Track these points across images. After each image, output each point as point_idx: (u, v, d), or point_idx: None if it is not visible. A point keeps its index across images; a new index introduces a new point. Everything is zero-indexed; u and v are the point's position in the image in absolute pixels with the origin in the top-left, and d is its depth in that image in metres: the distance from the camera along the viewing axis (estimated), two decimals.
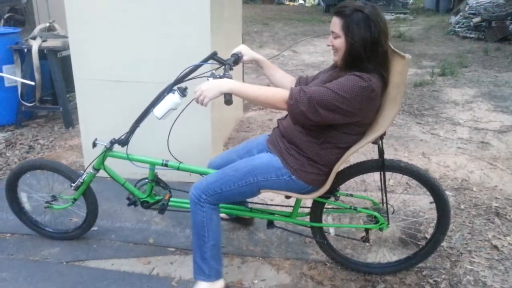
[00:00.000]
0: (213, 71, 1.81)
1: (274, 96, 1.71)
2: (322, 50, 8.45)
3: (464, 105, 4.99)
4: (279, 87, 2.13)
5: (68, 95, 4.08)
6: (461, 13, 11.14)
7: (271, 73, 2.14)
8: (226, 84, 1.70)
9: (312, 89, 1.68)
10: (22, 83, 3.96)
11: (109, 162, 2.14)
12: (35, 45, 3.84)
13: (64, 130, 4.09)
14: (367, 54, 1.70)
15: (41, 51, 3.86)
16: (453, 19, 11.35)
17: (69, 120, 4.11)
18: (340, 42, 1.72)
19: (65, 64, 3.91)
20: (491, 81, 6.12)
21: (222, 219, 2.57)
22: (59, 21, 4.28)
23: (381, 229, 2.08)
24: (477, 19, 10.02)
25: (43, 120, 4.37)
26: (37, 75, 3.93)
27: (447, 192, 2.04)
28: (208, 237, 1.89)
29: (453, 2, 14.73)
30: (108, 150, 2.09)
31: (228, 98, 1.68)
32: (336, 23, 1.72)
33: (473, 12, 10.47)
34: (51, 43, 3.91)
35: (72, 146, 3.70)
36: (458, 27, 10.61)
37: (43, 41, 3.90)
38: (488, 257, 2.32)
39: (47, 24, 4.19)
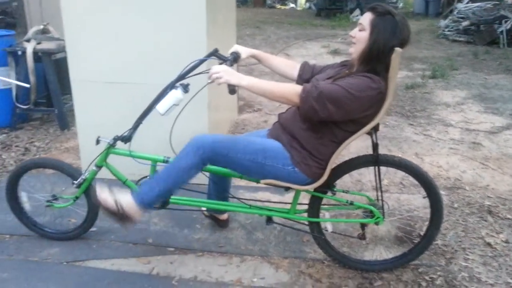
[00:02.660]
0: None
1: (288, 90, 1.78)
2: (314, 53, 8.51)
3: (455, 107, 5.08)
4: (282, 74, 2.19)
5: (62, 97, 4.08)
6: (450, 17, 11.31)
7: (271, 63, 2.18)
8: (246, 79, 1.76)
9: (324, 85, 1.74)
10: (17, 86, 3.95)
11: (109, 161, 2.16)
12: (29, 47, 3.84)
13: (59, 132, 4.08)
14: (383, 56, 1.75)
15: (35, 53, 3.85)
16: (443, 23, 11.51)
17: (64, 122, 4.11)
18: (364, 36, 1.78)
19: (60, 66, 3.92)
20: (481, 83, 6.22)
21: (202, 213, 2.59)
22: (53, 24, 4.28)
23: (377, 224, 2.12)
24: (466, 23, 10.19)
25: (38, 122, 4.35)
26: (32, 78, 3.91)
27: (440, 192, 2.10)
28: (170, 180, 1.87)
29: (442, 6, 14.94)
30: (111, 147, 2.11)
31: (232, 88, 1.75)
32: (367, 17, 1.79)
33: (462, 16, 10.64)
34: (46, 45, 3.91)
35: (68, 148, 3.70)
36: (448, 31, 10.76)
37: (38, 43, 3.90)
38: (482, 254, 2.37)
39: (41, 27, 4.18)
